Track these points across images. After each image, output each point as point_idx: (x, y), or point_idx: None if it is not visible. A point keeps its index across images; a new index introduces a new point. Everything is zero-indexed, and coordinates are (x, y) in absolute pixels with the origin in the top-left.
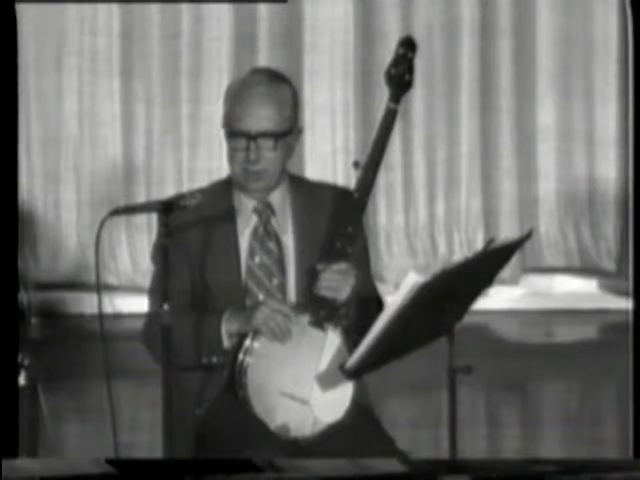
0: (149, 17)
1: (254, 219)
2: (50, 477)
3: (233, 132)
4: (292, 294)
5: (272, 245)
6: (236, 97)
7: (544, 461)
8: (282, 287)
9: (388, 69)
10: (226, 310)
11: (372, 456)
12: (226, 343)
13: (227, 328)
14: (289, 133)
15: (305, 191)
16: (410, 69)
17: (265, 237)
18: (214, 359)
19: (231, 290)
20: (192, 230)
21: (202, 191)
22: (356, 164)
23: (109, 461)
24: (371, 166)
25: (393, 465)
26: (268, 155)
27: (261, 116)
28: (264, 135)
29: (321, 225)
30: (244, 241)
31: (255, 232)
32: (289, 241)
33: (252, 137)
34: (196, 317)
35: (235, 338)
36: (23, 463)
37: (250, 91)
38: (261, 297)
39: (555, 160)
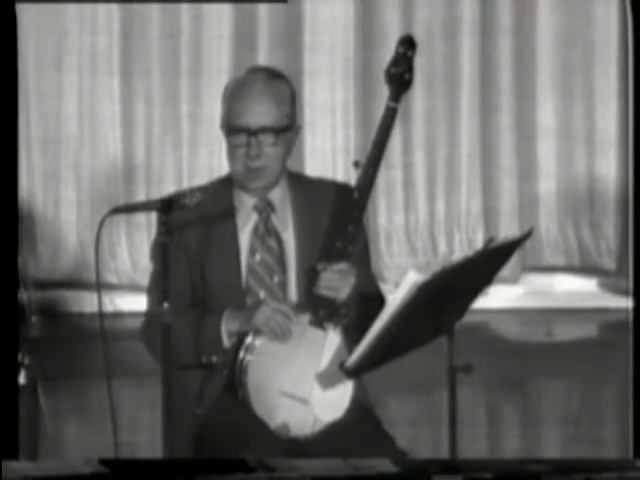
0: (149, 17)
1: (254, 217)
2: (50, 477)
3: (233, 129)
4: (293, 292)
5: (273, 242)
6: (235, 95)
7: (539, 461)
8: (283, 285)
9: (388, 68)
10: (226, 309)
11: (372, 456)
12: (226, 342)
13: (227, 327)
14: (288, 129)
15: (305, 188)
16: (410, 68)
17: (266, 235)
18: (214, 358)
19: (232, 288)
20: (192, 228)
21: (202, 189)
22: (356, 163)
23: (102, 461)
24: (371, 165)
25: (387, 465)
26: (268, 151)
27: (261, 111)
28: (264, 130)
29: (322, 222)
30: (244, 239)
31: (255, 230)
32: (290, 238)
33: (252, 132)
34: (196, 316)
35: (235, 338)
36: (22, 464)
37: (249, 88)
38: (262, 295)
39: (555, 159)
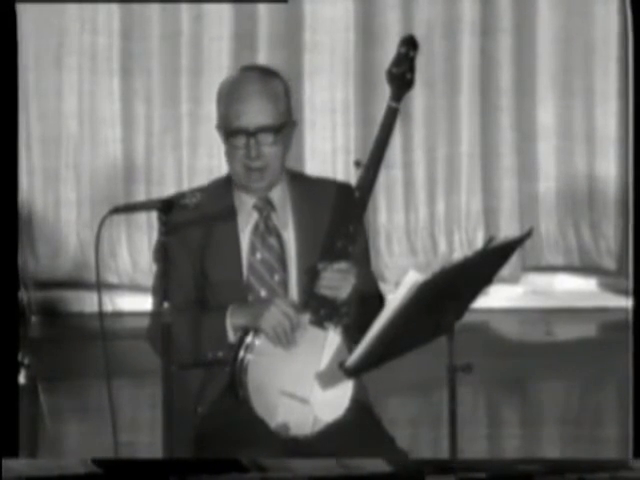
0: (149, 16)
1: (255, 215)
2: (50, 477)
3: (231, 131)
4: (294, 290)
5: (273, 241)
6: (230, 96)
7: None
8: (284, 283)
9: (390, 68)
10: (230, 304)
11: (372, 456)
12: (231, 337)
13: (233, 322)
14: (286, 127)
15: (305, 187)
16: (411, 68)
17: (266, 233)
18: (219, 353)
19: (233, 286)
20: (193, 228)
21: (202, 189)
22: (357, 163)
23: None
24: (372, 165)
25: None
26: (268, 150)
27: (257, 112)
28: (263, 130)
29: (322, 221)
30: (245, 237)
31: (256, 228)
32: (290, 237)
33: (251, 133)
34: (200, 312)
35: (240, 332)
36: (23, 463)
37: (244, 88)
38: (263, 293)
39: (555, 159)
